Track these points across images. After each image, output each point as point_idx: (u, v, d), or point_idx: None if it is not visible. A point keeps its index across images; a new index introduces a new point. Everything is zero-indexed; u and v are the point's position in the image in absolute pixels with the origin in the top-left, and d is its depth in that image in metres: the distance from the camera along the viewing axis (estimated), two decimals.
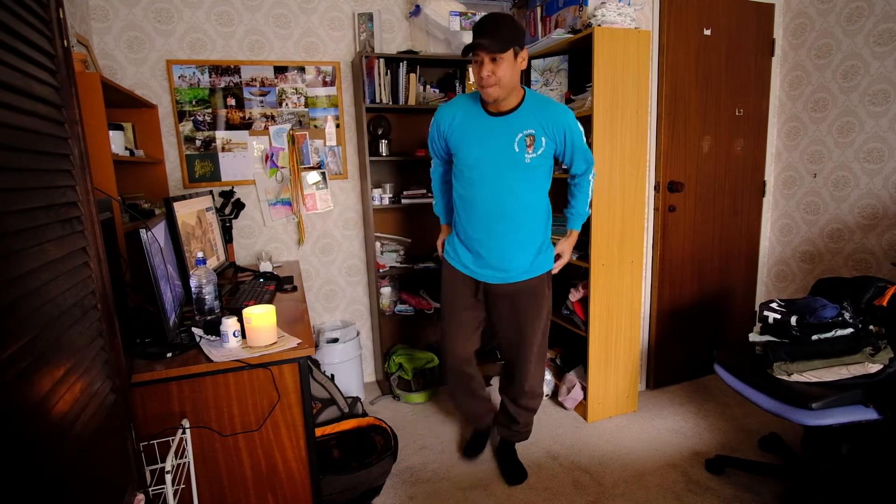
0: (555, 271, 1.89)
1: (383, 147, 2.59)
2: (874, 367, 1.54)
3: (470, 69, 1.67)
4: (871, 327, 1.64)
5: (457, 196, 1.82)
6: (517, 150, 1.66)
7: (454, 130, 1.75)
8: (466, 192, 1.76)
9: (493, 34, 1.52)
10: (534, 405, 2.02)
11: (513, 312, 1.86)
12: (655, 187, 2.53)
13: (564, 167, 1.88)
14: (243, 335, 1.35)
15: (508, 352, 1.97)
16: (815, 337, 1.64)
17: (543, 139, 1.66)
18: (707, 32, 2.50)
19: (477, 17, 2.57)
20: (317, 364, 2.20)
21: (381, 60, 2.48)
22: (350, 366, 2.60)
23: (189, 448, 1.24)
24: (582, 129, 1.75)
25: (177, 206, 1.64)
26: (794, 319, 1.68)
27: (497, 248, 1.77)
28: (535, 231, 1.79)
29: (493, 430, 2.19)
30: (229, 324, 1.31)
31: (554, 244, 1.90)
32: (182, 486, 1.23)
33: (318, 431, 1.82)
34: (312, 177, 2.68)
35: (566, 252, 1.93)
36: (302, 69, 2.59)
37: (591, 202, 1.92)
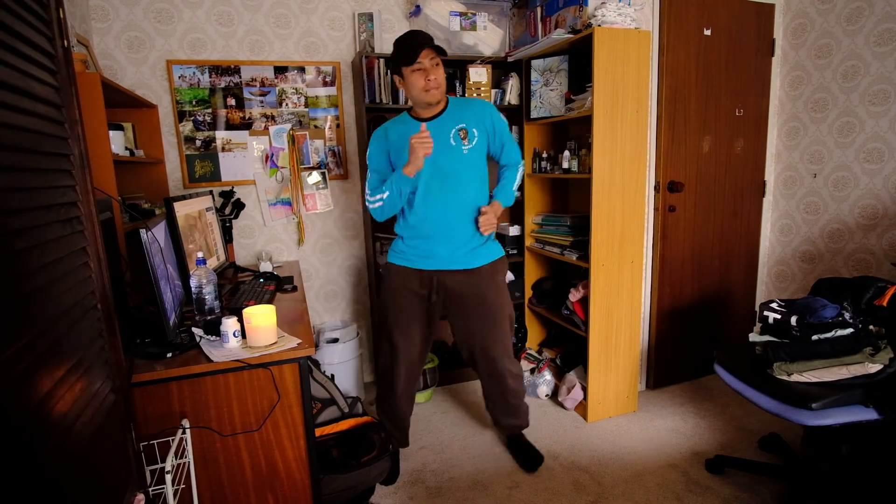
0: (482, 228, 1.81)
1: None
2: (874, 367, 1.54)
3: (404, 78, 1.78)
4: (871, 327, 1.64)
5: (404, 207, 1.86)
6: (454, 143, 1.78)
7: (392, 146, 1.83)
8: (414, 196, 1.82)
9: (432, 40, 1.71)
10: (520, 386, 2.06)
11: (478, 307, 1.88)
12: (655, 187, 2.53)
13: (498, 161, 1.94)
14: (243, 335, 1.35)
15: (479, 353, 1.96)
16: (815, 337, 1.64)
17: (475, 130, 1.81)
18: (707, 32, 2.50)
19: (477, 18, 2.57)
20: (317, 364, 2.20)
21: (382, 60, 2.48)
22: (350, 366, 2.60)
23: (189, 448, 1.24)
24: (506, 121, 1.88)
25: (177, 205, 1.64)
26: (794, 319, 1.68)
27: (450, 240, 1.83)
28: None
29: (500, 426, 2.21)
30: (229, 324, 1.31)
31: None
32: (182, 486, 1.22)
33: (318, 432, 1.82)
34: (313, 177, 2.68)
35: (489, 211, 1.81)
36: (302, 69, 2.59)
37: (518, 189, 1.93)
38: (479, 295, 1.87)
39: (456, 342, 2.03)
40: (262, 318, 1.32)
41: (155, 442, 1.19)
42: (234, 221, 2.51)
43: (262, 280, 2.02)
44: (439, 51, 1.71)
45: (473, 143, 1.80)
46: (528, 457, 2.06)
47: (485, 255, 1.88)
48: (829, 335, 1.62)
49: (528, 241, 2.75)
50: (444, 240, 1.83)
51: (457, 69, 2.70)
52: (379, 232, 2.79)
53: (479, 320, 1.90)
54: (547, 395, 2.61)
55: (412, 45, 1.69)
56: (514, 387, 2.03)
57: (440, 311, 1.95)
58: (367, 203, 1.88)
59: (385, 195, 1.80)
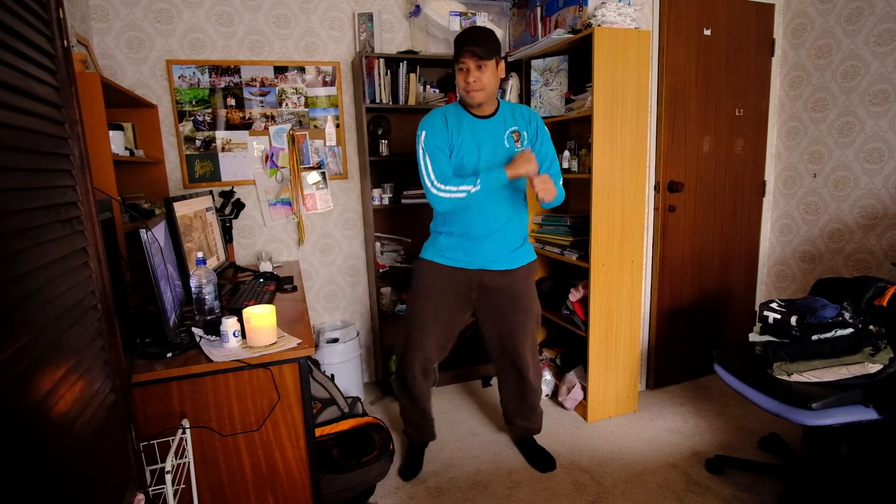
0: (539, 189, 1.68)
1: (383, 147, 2.59)
2: (874, 367, 1.54)
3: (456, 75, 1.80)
4: (871, 327, 1.63)
5: None
6: (507, 144, 1.82)
7: (451, 130, 1.82)
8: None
9: (480, 43, 1.69)
10: (539, 385, 2.11)
11: (512, 305, 1.91)
12: (655, 187, 2.53)
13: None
14: (243, 335, 1.35)
15: (509, 349, 1.98)
16: (815, 337, 1.63)
17: (525, 133, 1.85)
18: (707, 32, 2.50)
19: (477, 18, 2.58)
20: (317, 364, 2.20)
21: (381, 60, 2.48)
22: (350, 366, 2.60)
23: (189, 448, 1.24)
24: (549, 133, 1.90)
25: (177, 205, 1.64)
26: (794, 319, 1.68)
27: (499, 241, 1.85)
28: (524, 220, 1.94)
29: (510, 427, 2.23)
30: (229, 324, 1.31)
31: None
32: (182, 486, 1.22)
33: (318, 432, 1.82)
34: (312, 177, 2.68)
35: (545, 175, 1.73)
36: (302, 69, 2.59)
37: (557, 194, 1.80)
38: (515, 294, 1.90)
39: (484, 338, 2.03)
40: (261, 318, 1.32)
41: (155, 442, 1.19)
42: (234, 221, 2.51)
43: (262, 280, 2.02)
44: (480, 54, 1.68)
45: (524, 145, 1.84)
46: (540, 459, 2.08)
47: (523, 256, 1.91)
48: (829, 335, 1.62)
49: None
50: (494, 240, 1.84)
51: None
52: (379, 232, 2.79)
53: (512, 319, 1.92)
54: (547, 395, 2.61)
55: (457, 43, 1.72)
56: (535, 385, 2.07)
57: (471, 310, 1.97)
58: (434, 190, 1.74)
59: (473, 189, 1.70)
